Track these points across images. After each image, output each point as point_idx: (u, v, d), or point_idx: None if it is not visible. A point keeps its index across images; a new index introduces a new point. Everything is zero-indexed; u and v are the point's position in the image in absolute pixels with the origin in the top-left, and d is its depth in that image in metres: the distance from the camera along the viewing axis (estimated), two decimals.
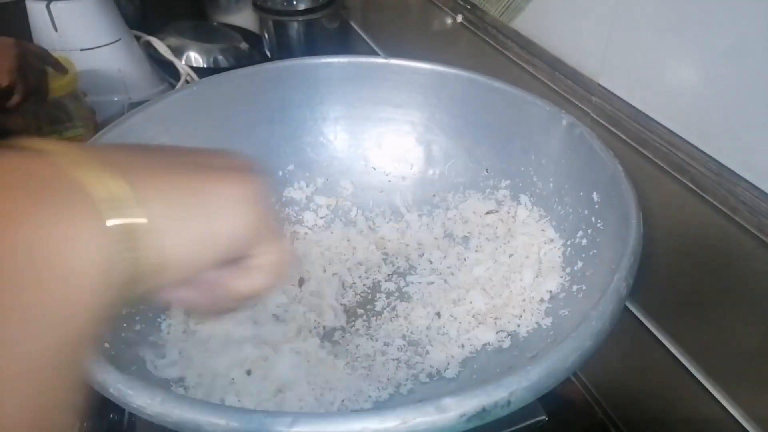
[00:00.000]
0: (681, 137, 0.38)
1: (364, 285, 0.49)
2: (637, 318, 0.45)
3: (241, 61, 0.86)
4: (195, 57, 0.84)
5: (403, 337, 0.44)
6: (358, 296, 0.48)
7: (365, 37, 0.86)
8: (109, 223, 0.17)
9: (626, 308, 0.46)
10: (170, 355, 0.39)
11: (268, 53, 0.91)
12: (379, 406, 0.38)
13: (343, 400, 0.38)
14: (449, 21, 0.63)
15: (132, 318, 0.39)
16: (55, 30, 0.73)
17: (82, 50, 0.72)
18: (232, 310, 0.26)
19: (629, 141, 0.42)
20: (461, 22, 0.61)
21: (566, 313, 0.39)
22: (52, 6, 0.71)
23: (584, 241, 0.41)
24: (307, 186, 0.55)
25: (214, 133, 0.51)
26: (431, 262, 0.50)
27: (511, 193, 0.50)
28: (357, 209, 0.55)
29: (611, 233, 0.38)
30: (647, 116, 0.41)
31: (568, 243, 0.43)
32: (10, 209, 0.15)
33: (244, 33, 0.92)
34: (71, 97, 0.67)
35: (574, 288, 0.40)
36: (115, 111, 0.76)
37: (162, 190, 0.18)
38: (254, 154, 0.52)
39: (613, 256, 0.35)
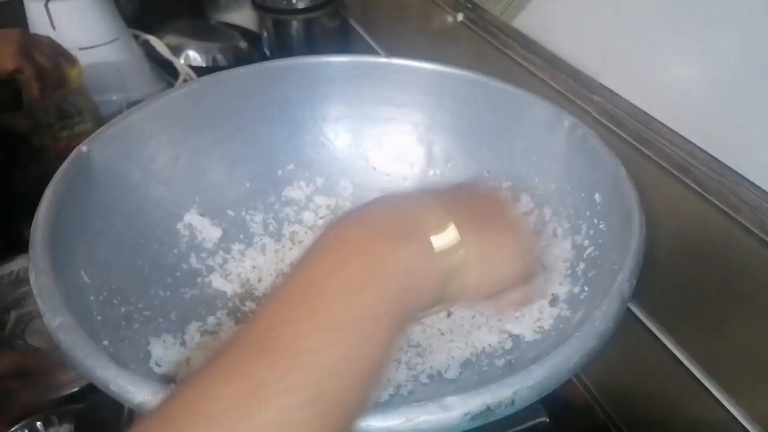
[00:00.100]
0: (683, 137, 0.38)
1: None
2: (639, 319, 0.45)
3: (240, 60, 0.85)
4: (194, 56, 0.84)
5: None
6: None
7: (365, 36, 0.86)
8: (443, 263, 0.25)
9: (628, 309, 0.45)
10: (171, 353, 0.39)
11: (268, 52, 0.90)
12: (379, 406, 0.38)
13: None
14: (450, 20, 0.63)
15: (131, 316, 0.39)
16: (54, 29, 0.72)
17: (80, 49, 0.71)
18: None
19: (631, 140, 0.42)
20: (462, 21, 0.61)
21: (569, 315, 0.39)
22: (50, 5, 0.71)
23: (586, 242, 0.41)
24: (307, 186, 0.55)
25: (213, 132, 0.50)
26: None
27: (513, 194, 0.50)
28: None
29: (614, 234, 0.38)
30: (649, 116, 0.40)
31: (571, 244, 0.43)
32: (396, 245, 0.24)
33: (244, 32, 0.92)
34: (79, 92, 0.67)
35: (577, 289, 0.40)
36: (114, 110, 0.76)
37: (476, 246, 0.26)
38: (254, 153, 0.52)
39: (615, 256, 0.35)
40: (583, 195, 0.42)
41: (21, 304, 0.57)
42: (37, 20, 0.72)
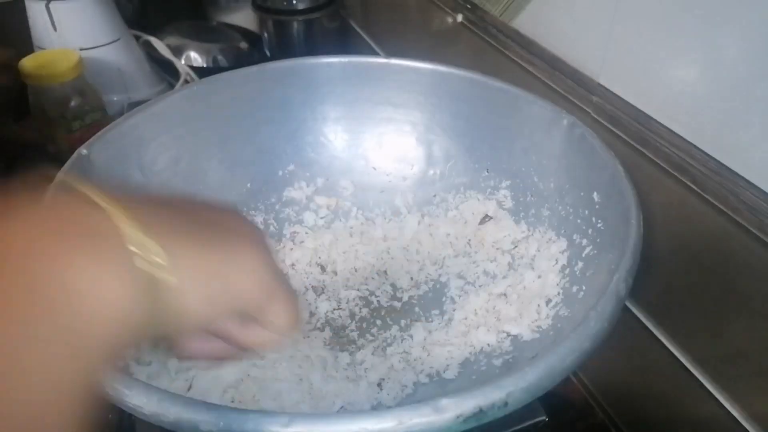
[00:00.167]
0: (682, 137, 0.38)
1: (363, 285, 0.48)
2: (638, 318, 0.45)
3: (240, 60, 0.85)
4: (194, 57, 0.84)
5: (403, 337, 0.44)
6: (358, 296, 0.48)
7: (365, 37, 0.86)
8: (140, 278, 0.20)
9: (626, 308, 0.45)
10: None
11: (268, 53, 0.91)
12: (378, 407, 0.38)
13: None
14: (449, 20, 0.63)
15: None
16: (55, 29, 0.72)
17: (81, 50, 0.72)
18: (234, 359, 0.29)
19: (630, 141, 0.42)
20: (461, 22, 0.61)
21: (566, 314, 0.39)
22: (51, 5, 0.71)
23: (584, 241, 0.41)
24: (308, 186, 0.55)
25: (214, 134, 0.51)
26: (431, 263, 0.50)
27: (512, 193, 0.50)
28: (357, 209, 0.55)
29: (611, 233, 0.38)
30: (648, 116, 0.41)
31: (569, 243, 0.43)
32: (61, 252, 0.19)
33: (244, 32, 0.92)
34: (85, 84, 0.67)
35: (574, 288, 0.40)
36: (115, 111, 0.76)
37: (188, 257, 0.22)
38: (255, 153, 0.53)
39: (613, 256, 0.35)
40: (582, 194, 0.42)
41: None
42: (38, 21, 0.73)
